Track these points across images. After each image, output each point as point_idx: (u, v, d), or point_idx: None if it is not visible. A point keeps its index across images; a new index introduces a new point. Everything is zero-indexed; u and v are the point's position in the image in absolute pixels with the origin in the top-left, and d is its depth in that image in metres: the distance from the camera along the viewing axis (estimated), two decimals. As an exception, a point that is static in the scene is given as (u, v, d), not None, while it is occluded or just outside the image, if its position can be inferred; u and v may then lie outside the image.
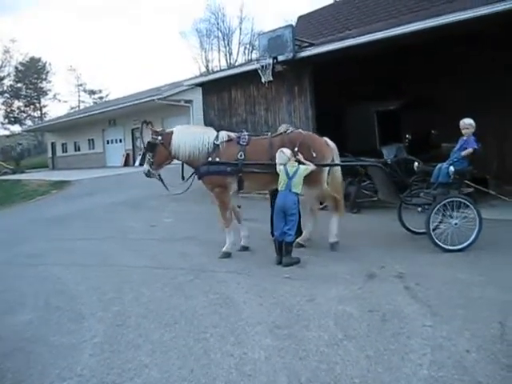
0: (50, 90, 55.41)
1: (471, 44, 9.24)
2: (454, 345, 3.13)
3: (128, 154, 25.51)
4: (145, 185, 13.34)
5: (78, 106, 52.57)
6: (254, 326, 3.66)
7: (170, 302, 4.39)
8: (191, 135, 6.04)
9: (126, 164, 25.00)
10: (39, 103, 55.00)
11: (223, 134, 6.04)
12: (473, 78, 9.83)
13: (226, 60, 45.82)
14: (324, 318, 3.71)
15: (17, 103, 53.73)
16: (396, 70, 11.17)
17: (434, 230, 5.53)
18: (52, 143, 35.05)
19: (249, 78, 11.30)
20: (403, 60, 10.59)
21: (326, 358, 3.07)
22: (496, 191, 8.08)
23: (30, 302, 4.73)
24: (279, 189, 5.47)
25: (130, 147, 25.54)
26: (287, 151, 5.45)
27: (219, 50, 46.53)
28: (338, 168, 6.19)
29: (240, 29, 45.92)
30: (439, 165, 5.77)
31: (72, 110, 48.32)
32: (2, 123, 53.28)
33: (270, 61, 10.04)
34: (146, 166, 6.15)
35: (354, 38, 9.30)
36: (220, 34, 45.72)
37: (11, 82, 52.91)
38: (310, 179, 5.61)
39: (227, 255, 5.87)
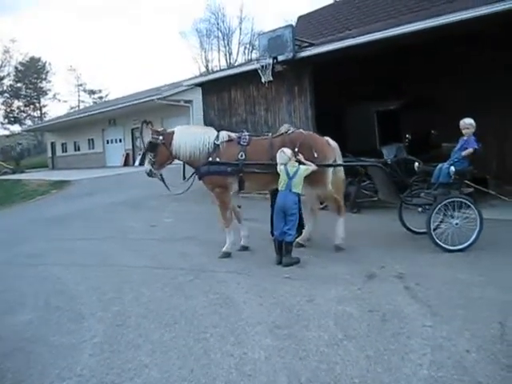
0: (49, 90, 55.57)
1: (471, 44, 9.24)
2: (453, 345, 3.13)
3: (128, 154, 25.51)
4: (145, 185, 13.35)
5: (78, 106, 52.61)
6: (253, 326, 3.66)
7: (170, 302, 4.39)
8: (192, 135, 6.05)
9: (126, 164, 25.00)
10: (39, 103, 55.03)
11: (224, 134, 6.03)
12: (473, 78, 9.83)
13: (226, 60, 45.91)
14: (324, 318, 3.72)
15: (17, 103, 53.84)
16: (396, 70, 11.17)
17: (434, 229, 5.53)
18: (52, 143, 35.05)
19: (249, 77, 11.30)
20: (403, 60, 10.59)
21: (325, 358, 3.07)
22: (496, 191, 8.08)
23: (30, 302, 4.73)
24: (279, 189, 5.47)
25: (130, 147, 25.54)
26: (288, 151, 5.45)
27: (219, 49, 46.63)
28: (341, 168, 6.20)
29: (240, 29, 46.00)
30: (440, 165, 5.78)
31: (72, 110, 48.33)
32: (2, 123, 53.45)
33: (270, 61, 10.03)
34: (147, 166, 6.16)
35: (353, 38, 9.30)
36: (220, 34, 45.82)
37: (11, 82, 53.03)
38: (313, 179, 5.62)
39: (227, 255, 5.87)
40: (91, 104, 49.99)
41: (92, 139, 29.47)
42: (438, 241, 5.46)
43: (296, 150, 5.60)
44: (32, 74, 53.22)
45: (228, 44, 46.07)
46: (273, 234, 5.76)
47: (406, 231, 6.41)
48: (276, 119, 11.19)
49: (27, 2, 76.49)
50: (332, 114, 11.52)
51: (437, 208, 5.48)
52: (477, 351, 3.03)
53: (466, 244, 5.44)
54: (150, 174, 6.17)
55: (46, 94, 55.43)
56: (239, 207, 6.31)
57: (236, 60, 44.38)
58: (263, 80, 10.24)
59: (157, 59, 79.55)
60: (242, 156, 5.79)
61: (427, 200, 5.99)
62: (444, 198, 5.52)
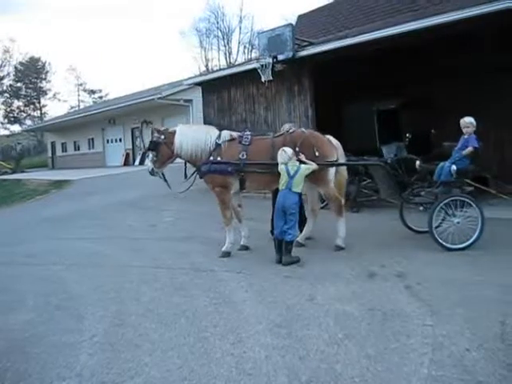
0: (49, 90, 55.39)
1: (472, 44, 9.22)
2: (454, 344, 3.12)
3: (128, 154, 25.48)
4: (145, 184, 13.37)
5: (78, 106, 52.53)
6: (254, 325, 3.66)
7: (170, 301, 4.39)
8: (193, 134, 6.05)
9: (126, 163, 24.96)
10: (39, 103, 54.92)
11: (226, 134, 6.03)
12: (473, 78, 9.81)
13: (226, 59, 45.86)
14: (324, 317, 3.71)
15: (16, 103, 53.65)
16: (396, 69, 11.15)
17: (436, 227, 5.53)
18: (52, 143, 35.02)
19: (248, 77, 11.29)
20: (403, 59, 10.57)
21: (326, 357, 3.07)
22: (496, 190, 8.07)
23: (30, 302, 4.73)
24: (280, 188, 5.47)
25: (130, 146, 25.52)
26: (289, 150, 5.44)
27: (219, 49, 46.60)
28: (344, 168, 6.19)
29: (240, 28, 45.99)
30: (441, 163, 5.77)
31: (72, 110, 48.29)
32: (2, 123, 53.31)
33: (270, 60, 10.03)
34: (150, 165, 6.21)
35: (353, 36, 9.29)
36: (220, 33, 45.79)
37: (11, 82, 52.84)
38: (315, 178, 5.63)
39: (227, 254, 5.87)
40: (91, 104, 49.93)
41: (92, 139, 29.45)
42: (439, 239, 5.45)
43: (297, 149, 5.59)
44: (32, 73, 53.12)
45: (228, 43, 46.11)
46: (273, 234, 5.76)
47: (406, 230, 6.40)
48: (276, 118, 11.18)
49: (27, 2, 76.42)
50: (332, 113, 11.53)
51: (439, 206, 5.48)
52: (477, 350, 3.02)
53: (467, 243, 5.43)
54: (152, 172, 6.21)
55: (46, 93, 55.38)
56: (240, 206, 6.31)
57: (236, 59, 44.38)
58: (263, 79, 10.23)
59: (157, 59, 79.75)
60: (243, 155, 5.78)
61: (428, 199, 5.98)
62: (446, 197, 5.52)
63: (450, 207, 5.48)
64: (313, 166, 5.49)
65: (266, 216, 6.50)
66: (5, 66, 51.95)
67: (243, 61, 33.43)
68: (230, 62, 43.18)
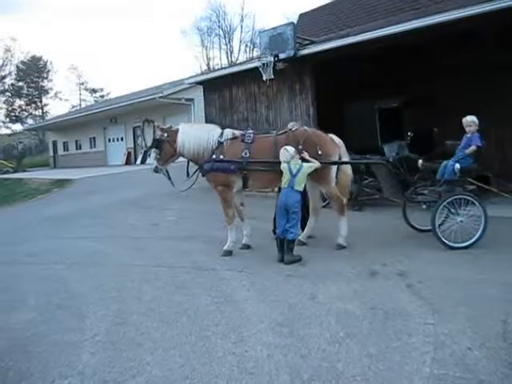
0: (51, 89, 55.42)
1: (474, 42, 9.20)
2: (456, 343, 3.12)
3: (129, 153, 25.51)
4: (146, 183, 13.40)
5: (80, 105, 52.60)
6: (255, 324, 3.66)
7: (172, 300, 4.39)
8: (196, 133, 6.06)
9: (128, 162, 24.99)
10: (40, 102, 54.97)
11: (228, 132, 6.04)
12: (475, 76, 9.79)
13: (228, 58, 45.82)
14: (326, 316, 3.71)
15: (18, 102, 53.72)
16: (398, 67, 11.13)
17: (439, 226, 5.52)
18: (53, 142, 35.07)
19: (250, 75, 11.28)
20: (405, 57, 10.55)
21: (327, 356, 3.06)
22: (497, 189, 8.06)
23: (32, 301, 4.73)
24: (282, 186, 5.47)
25: (132, 145, 25.54)
26: (291, 149, 5.44)
27: (220, 48, 46.55)
28: (348, 166, 6.18)
29: (241, 26, 46.22)
30: (445, 162, 5.76)
31: (73, 109, 48.31)
32: (4, 122, 53.40)
33: (271, 58, 10.01)
34: (154, 162, 6.28)
35: (355, 35, 9.26)
36: (221, 32, 45.74)
37: (12, 81, 52.90)
38: (317, 177, 5.63)
39: (229, 253, 5.87)
40: (92, 103, 49.97)
41: (93, 138, 29.47)
42: (442, 238, 5.44)
43: (300, 147, 5.59)
44: (33, 72, 53.18)
45: (229, 42, 46.05)
46: (275, 233, 5.76)
47: (408, 229, 6.40)
48: (277, 117, 11.18)
49: (27, 2, 76.45)
50: (333, 112, 11.51)
51: (442, 205, 5.47)
52: (479, 349, 3.02)
53: (470, 241, 5.42)
54: (156, 169, 6.29)
55: (48, 92, 55.41)
56: (242, 205, 6.31)
57: (237, 58, 44.37)
58: (264, 78, 10.22)
59: (158, 58, 79.81)
60: (246, 154, 5.78)
61: (432, 197, 5.98)
62: (449, 195, 5.52)
63: (453, 206, 5.48)
64: (315, 164, 5.49)
65: (268, 215, 6.50)
66: (6, 65, 52.09)
67: (245, 59, 33.47)
68: (232, 61, 43.18)
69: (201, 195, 8.94)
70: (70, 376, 3.09)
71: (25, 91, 53.81)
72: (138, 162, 24.17)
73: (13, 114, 53.16)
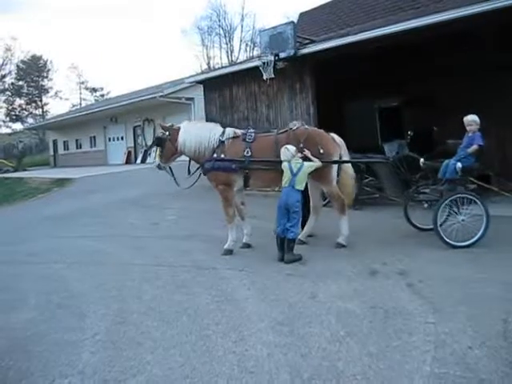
0: (51, 88, 55.38)
1: (473, 42, 9.19)
2: (456, 341, 3.12)
3: (130, 152, 25.50)
4: (147, 182, 13.41)
5: (80, 104, 52.56)
6: (256, 323, 3.66)
7: (172, 299, 4.39)
8: (197, 132, 6.06)
9: (128, 162, 24.99)
10: (41, 101, 54.94)
11: (229, 131, 6.04)
12: (474, 76, 9.77)
13: (228, 57, 45.79)
14: (326, 315, 3.71)
15: (18, 101, 53.69)
16: (398, 67, 11.12)
17: (440, 225, 5.52)
18: (53, 141, 35.04)
19: (250, 74, 11.29)
20: (405, 56, 10.54)
21: (328, 355, 3.06)
22: (498, 188, 8.05)
23: (32, 300, 4.73)
24: (283, 185, 5.46)
25: (132, 145, 25.54)
26: (291, 148, 5.45)
27: (221, 47, 46.51)
28: (349, 166, 6.17)
29: (241, 26, 46.02)
30: (446, 161, 5.76)
31: (73, 108, 48.30)
32: (4, 121, 53.41)
33: (272, 58, 10.00)
34: (157, 160, 6.35)
35: (355, 34, 9.26)
36: (221, 31, 45.71)
37: (13, 80, 52.87)
38: (318, 176, 5.62)
39: (229, 252, 5.87)
40: (93, 102, 49.94)
41: (94, 137, 29.45)
42: (444, 237, 5.44)
43: (301, 145, 5.59)
44: (33, 72, 53.16)
45: (229, 41, 46.02)
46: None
47: (408, 228, 6.40)
48: (278, 116, 11.19)
49: (27, 1, 76.33)
50: (333, 111, 11.50)
51: (444, 203, 5.47)
52: (479, 348, 3.02)
53: (472, 240, 5.42)
54: (159, 167, 6.35)
55: (48, 92, 55.38)
56: (243, 204, 6.30)
57: (238, 57, 44.33)
58: (265, 77, 10.21)
59: (158, 57, 79.73)
60: (247, 153, 5.78)
61: (433, 196, 5.98)
62: (451, 194, 5.51)
63: (455, 204, 5.48)
64: (316, 163, 5.48)
65: (269, 214, 6.49)
66: (6, 64, 52.04)
67: (245, 59, 33.42)
68: (232, 60, 43.14)
69: (202, 194, 8.92)
70: (70, 375, 3.08)
71: (25, 90, 53.79)
72: (139, 161, 24.19)
73: (13, 113, 53.16)
